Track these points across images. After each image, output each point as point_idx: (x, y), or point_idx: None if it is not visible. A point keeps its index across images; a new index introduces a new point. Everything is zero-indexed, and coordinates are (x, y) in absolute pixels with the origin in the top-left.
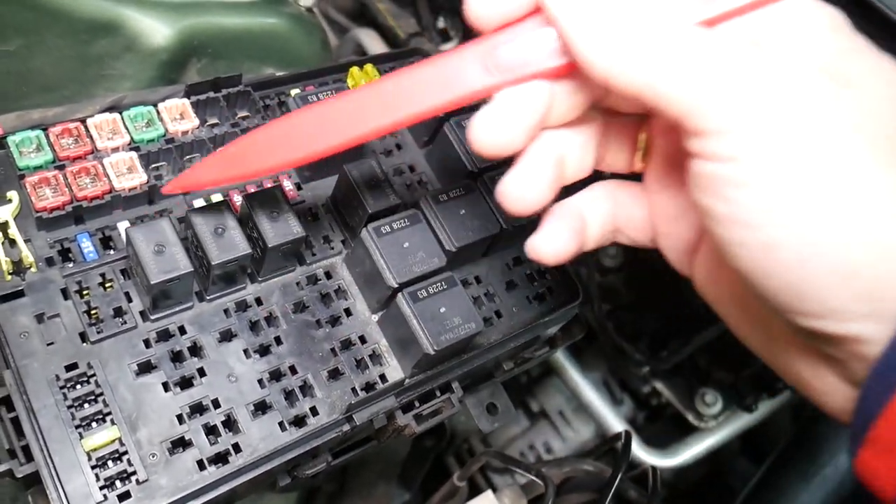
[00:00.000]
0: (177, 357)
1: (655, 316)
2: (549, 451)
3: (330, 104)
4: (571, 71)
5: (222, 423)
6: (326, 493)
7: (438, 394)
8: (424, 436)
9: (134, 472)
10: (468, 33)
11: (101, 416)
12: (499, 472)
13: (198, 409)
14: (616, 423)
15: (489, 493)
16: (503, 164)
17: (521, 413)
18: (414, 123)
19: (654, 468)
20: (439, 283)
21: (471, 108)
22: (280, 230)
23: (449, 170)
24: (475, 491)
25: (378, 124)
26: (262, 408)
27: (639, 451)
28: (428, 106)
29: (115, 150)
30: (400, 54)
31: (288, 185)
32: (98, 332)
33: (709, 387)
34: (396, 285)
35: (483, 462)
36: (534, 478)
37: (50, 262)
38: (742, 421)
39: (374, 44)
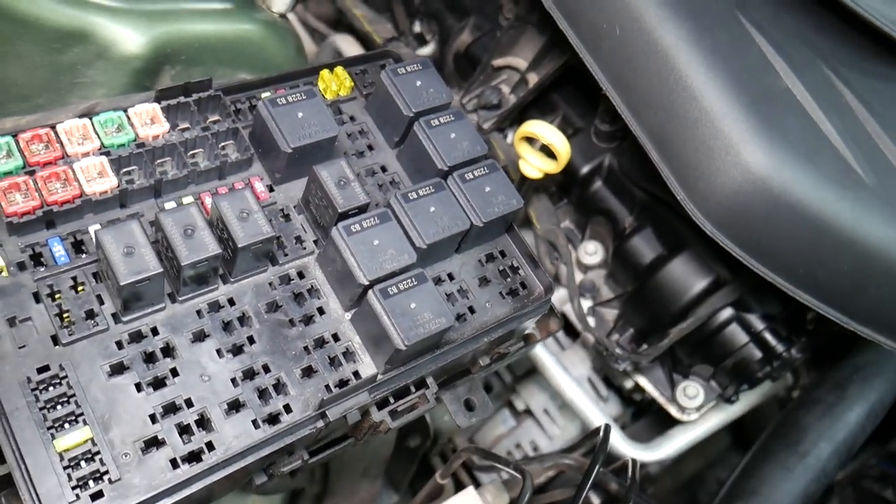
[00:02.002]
0: (149, 358)
1: (636, 311)
2: (536, 450)
3: None
4: None
5: (195, 422)
6: (311, 494)
7: (413, 389)
8: (408, 436)
9: (107, 472)
10: (444, 37)
11: (73, 418)
12: (485, 471)
13: (171, 408)
14: (600, 419)
15: (470, 489)
16: (473, 161)
17: (507, 412)
18: None
19: (634, 460)
20: (409, 280)
21: (440, 108)
22: (250, 230)
23: (420, 168)
24: (461, 489)
25: None
26: (235, 406)
27: (623, 445)
28: None
29: (86, 154)
30: (371, 56)
31: (260, 186)
32: (70, 335)
33: (690, 379)
34: (367, 282)
35: (464, 459)
36: (513, 472)
37: (21, 266)
38: (726, 413)
39: (353, 49)
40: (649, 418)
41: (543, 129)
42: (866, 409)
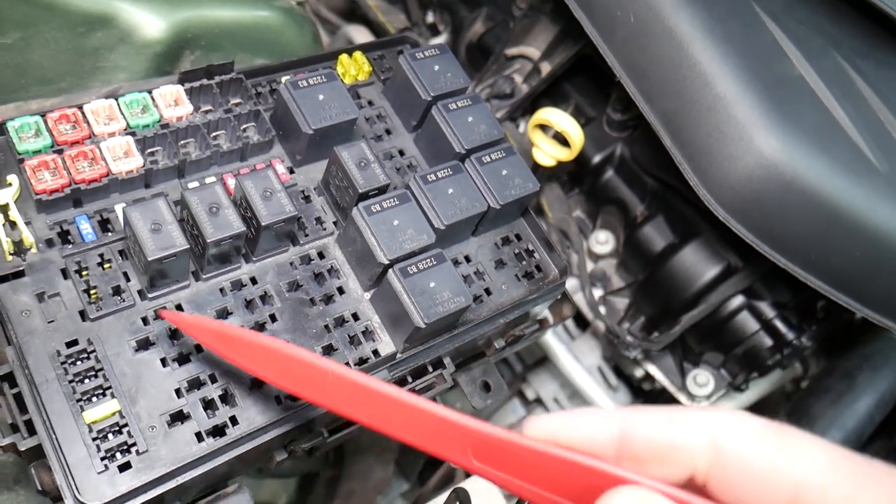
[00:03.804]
0: (174, 334)
1: (647, 299)
2: None
3: (334, 372)
4: None
5: (219, 397)
6: (325, 478)
7: (430, 369)
8: None
9: (134, 444)
10: (456, 27)
11: (101, 391)
12: None
13: (195, 383)
14: (610, 407)
15: None
16: (490, 144)
17: (517, 401)
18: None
19: None
20: (429, 259)
21: (458, 92)
22: (273, 209)
23: (438, 152)
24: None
25: (357, 417)
26: (258, 383)
27: None
28: (403, 438)
29: (112, 135)
30: (389, 42)
31: (280, 168)
32: (97, 310)
33: (700, 368)
34: (387, 262)
35: None
36: None
37: (50, 243)
38: (736, 402)
39: (366, 40)
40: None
41: (557, 117)
42: (875, 399)
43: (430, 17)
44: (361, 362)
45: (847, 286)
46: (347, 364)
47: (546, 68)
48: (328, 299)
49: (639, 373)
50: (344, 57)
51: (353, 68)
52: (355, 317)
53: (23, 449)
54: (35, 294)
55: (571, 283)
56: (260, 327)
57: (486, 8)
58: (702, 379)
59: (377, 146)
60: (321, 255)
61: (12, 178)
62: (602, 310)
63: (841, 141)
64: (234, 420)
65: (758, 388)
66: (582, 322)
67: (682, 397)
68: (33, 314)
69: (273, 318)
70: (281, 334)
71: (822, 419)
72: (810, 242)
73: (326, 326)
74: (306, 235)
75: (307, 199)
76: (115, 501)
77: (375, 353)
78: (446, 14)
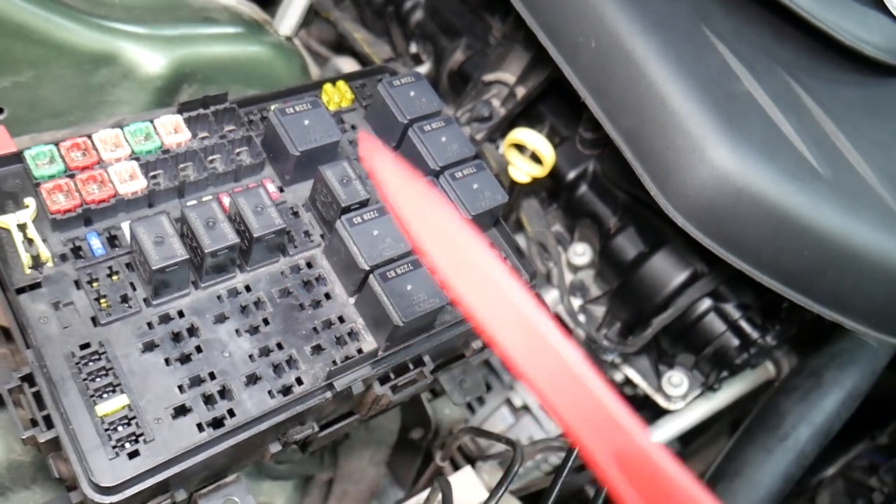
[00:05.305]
0: (176, 337)
1: (621, 306)
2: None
3: (506, 285)
4: None
5: (218, 392)
6: (321, 481)
7: (411, 367)
8: (411, 429)
9: (142, 434)
10: (438, 56)
11: (111, 388)
12: (482, 459)
13: (196, 380)
14: None
15: (468, 468)
16: (463, 161)
17: (505, 410)
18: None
19: None
20: (406, 265)
21: (432, 115)
22: (264, 222)
23: (415, 170)
24: None
25: (500, 340)
26: (252, 379)
27: None
28: (555, 406)
29: (118, 160)
30: (369, 71)
31: (271, 187)
32: (108, 316)
33: (674, 369)
34: (368, 268)
35: (461, 440)
36: (505, 445)
37: (63, 257)
38: (710, 403)
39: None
40: (640, 414)
41: (529, 136)
42: (842, 396)
43: (413, 48)
44: (346, 360)
45: (798, 284)
46: (334, 363)
47: (521, 92)
48: (316, 304)
49: (619, 377)
50: (328, 86)
51: (337, 96)
52: (341, 319)
53: (42, 441)
54: (51, 303)
55: (552, 295)
56: (254, 330)
57: (465, 38)
58: (676, 380)
59: (360, 167)
60: (309, 265)
61: (29, 201)
62: (581, 318)
63: (787, 150)
64: (231, 412)
65: (732, 390)
66: (564, 330)
67: (658, 398)
68: (50, 321)
69: (266, 321)
70: (274, 336)
71: (791, 416)
72: (762, 245)
73: (315, 328)
74: (295, 247)
75: (296, 214)
76: (125, 484)
77: (359, 351)
78: (428, 45)
